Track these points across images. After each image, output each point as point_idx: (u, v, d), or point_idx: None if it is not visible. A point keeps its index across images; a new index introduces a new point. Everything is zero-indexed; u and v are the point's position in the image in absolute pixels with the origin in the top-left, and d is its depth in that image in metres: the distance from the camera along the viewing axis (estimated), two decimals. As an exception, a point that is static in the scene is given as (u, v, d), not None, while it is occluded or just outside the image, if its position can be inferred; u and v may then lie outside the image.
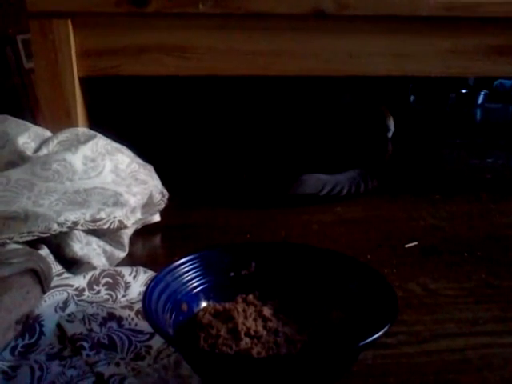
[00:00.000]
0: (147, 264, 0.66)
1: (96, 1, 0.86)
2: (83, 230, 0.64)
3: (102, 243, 0.67)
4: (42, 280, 0.51)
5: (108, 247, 0.67)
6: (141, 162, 0.81)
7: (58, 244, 0.63)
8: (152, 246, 0.78)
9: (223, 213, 0.91)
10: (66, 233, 0.63)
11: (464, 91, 2.10)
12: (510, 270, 0.73)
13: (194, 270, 0.55)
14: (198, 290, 0.54)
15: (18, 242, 0.61)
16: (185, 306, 0.52)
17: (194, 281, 0.54)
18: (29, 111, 1.09)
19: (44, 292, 0.54)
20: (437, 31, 0.97)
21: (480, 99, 2.08)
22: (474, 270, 0.72)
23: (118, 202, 0.69)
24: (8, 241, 0.61)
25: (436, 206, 0.98)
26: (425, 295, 0.65)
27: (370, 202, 0.99)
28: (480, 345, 0.56)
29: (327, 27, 0.95)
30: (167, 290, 0.51)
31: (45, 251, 0.61)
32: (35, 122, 1.06)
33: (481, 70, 0.99)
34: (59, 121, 0.91)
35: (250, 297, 0.53)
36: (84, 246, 0.64)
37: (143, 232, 0.79)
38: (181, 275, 0.53)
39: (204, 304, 0.53)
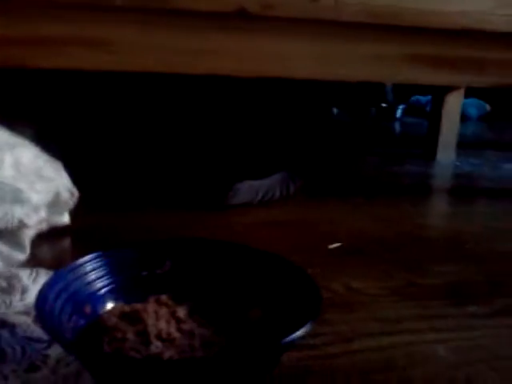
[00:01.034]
0: (52, 268, 0.60)
1: (3, -17, 0.78)
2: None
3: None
4: None
5: (5, 248, 0.60)
6: (47, 158, 0.74)
7: None
8: (58, 248, 0.71)
9: (142, 215, 0.86)
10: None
11: (384, 105, 2.18)
12: (430, 268, 0.74)
13: (100, 269, 0.49)
14: (104, 290, 0.49)
15: None
16: (88, 308, 0.47)
17: (99, 280, 0.49)
18: None
19: None
20: (360, 37, 0.97)
21: (398, 113, 2.18)
22: (395, 269, 0.72)
23: (17, 199, 0.62)
24: None
25: (359, 209, 0.98)
26: (348, 295, 0.63)
27: (294, 205, 0.98)
28: (403, 343, 0.55)
29: (250, 27, 0.93)
30: (67, 290, 0.45)
31: None
32: None
33: (403, 78, 1.01)
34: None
35: (163, 297, 0.48)
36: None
37: (49, 234, 0.71)
38: (84, 274, 0.48)
39: (111, 306, 0.48)
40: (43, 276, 0.57)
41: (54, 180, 0.71)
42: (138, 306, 0.46)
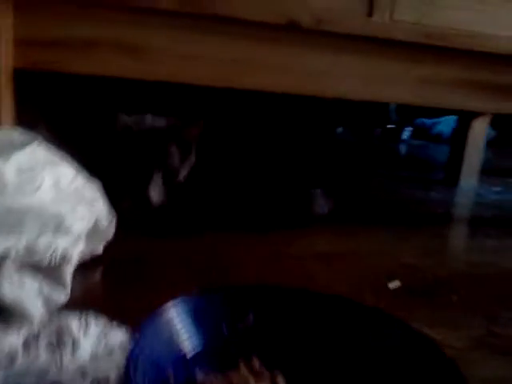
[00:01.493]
0: (87, 306, 0.51)
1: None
2: (16, 267, 0.48)
3: (37, 283, 0.50)
4: None
5: (46, 288, 0.51)
6: (86, 176, 0.65)
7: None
8: (91, 283, 0.62)
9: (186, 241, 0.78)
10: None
11: (389, 126, 2.13)
12: (504, 314, 0.67)
13: (180, 325, 0.41)
14: (186, 352, 0.40)
15: None
16: (171, 376, 0.38)
17: (181, 340, 0.40)
18: None
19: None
20: (413, 58, 0.92)
21: (405, 135, 2.13)
22: (468, 314, 0.65)
23: (60, 227, 0.54)
24: None
25: (403, 240, 0.93)
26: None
27: (335, 232, 0.91)
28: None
29: (301, 41, 0.86)
30: (150, 356, 0.37)
31: None
32: None
33: (454, 103, 0.96)
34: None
35: (255, 363, 0.40)
36: (16, 287, 0.48)
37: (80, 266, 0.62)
38: (165, 334, 0.39)
39: (198, 373, 0.39)
40: (93, 325, 0.48)
41: (94, 204, 0.62)
42: (232, 377, 0.38)
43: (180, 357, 0.39)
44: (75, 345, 0.45)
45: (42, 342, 0.45)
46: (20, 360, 0.42)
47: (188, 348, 0.40)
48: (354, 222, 0.99)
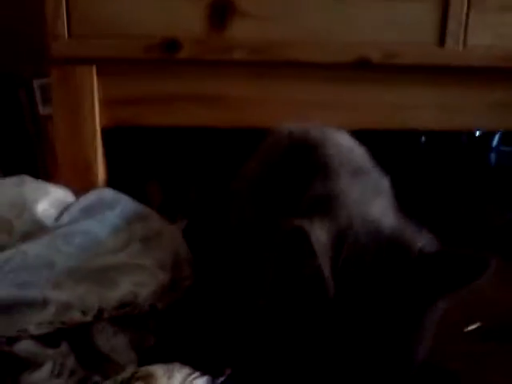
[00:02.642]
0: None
1: (124, 46, 0.78)
2: (109, 319, 0.55)
3: (128, 333, 0.57)
4: None
5: (135, 336, 0.58)
6: (167, 224, 0.72)
7: (79, 337, 0.53)
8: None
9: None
10: (89, 323, 0.54)
11: (477, 133, 2.00)
12: None
13: None
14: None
15: (33, 336, 0.51)
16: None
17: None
18: (43, 162, 1.00)
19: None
20: (489, 83, 0.89)
21: (494, 142, 1.99)
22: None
23: (146, 281, 0.60)
24: (23, 334, 0.51)
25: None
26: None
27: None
28: None
29: (371, 77, 0.87)
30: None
31: (65, 347, 0.52)
32: (49, 173, 0.99)
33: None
34: (78, 174, 0.82)
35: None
36: (110, 339, 0.54)
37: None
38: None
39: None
40: (177, 373, 0.54)
41: (177, 251, 0.69)
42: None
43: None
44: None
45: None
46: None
47: None
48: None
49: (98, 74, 0.79)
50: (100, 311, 0.55)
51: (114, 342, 0.55)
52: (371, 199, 0.51)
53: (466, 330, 0.70)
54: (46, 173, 0.98)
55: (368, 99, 0.88)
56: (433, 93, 0.89)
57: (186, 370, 0.54)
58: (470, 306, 0.73)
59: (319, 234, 0.42)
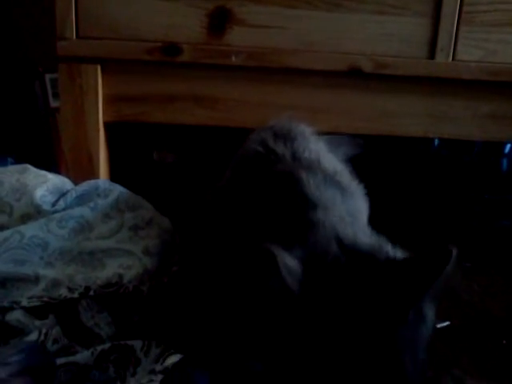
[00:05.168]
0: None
1: (127, 48, 0.84)
2: (94, 297, 0.60)
3: (113, 311, 0.62)
4: (43, 379, 0.47)
5: (119, 314, 0.63)
6: (160, 217, 0.77)
7: (66, 312, 0.58)
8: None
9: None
10: (76, 300, 0.59)
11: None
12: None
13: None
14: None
15: (24, 308, 0.57)
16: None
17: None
18: (52, 150, 1.07)
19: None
20: (477, 95, 0.93)
21: (507, 148, 2.00)
22: (513, 365, 0.66)
23: (132, 265, 0.65)
24: (15, 305, 0.57)
25: (467, 278, 0.91)
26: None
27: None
28: None
29: (363, 85, 0.91)
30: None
31: (52, 319, 0.57)
32: (57, 162, 1.05)
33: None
34: (81, 165, 0.88)
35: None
36: (95, 315, 0.60)
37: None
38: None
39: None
40: (153, 348, 0.58)
41: (166, 242, 0.73)
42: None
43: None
44: (136, 362, 0.56)
45: (111, 359, 0.56)
46: (93, 372, 0.54)
47: None
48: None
49: (102, 73, 0.85)
50: (86, 289, 0.60)
51: (97, 318, 0.60)
52: (344, 220, 0.52)
53: (437, 326, 0.74)
54: (55, 161, 1.04)
55: (359, 106, 0.92)
56: (422, 102, 0.93)
57: (162, 347, 0.59)
58: (445, 307, 0.78)
59: (287, 257, 0.43)
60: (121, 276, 0.63)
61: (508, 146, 2.01)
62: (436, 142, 1.96)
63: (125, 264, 0.65)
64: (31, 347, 0.49)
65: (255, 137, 0.67)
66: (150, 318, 0.64)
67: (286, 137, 0.65)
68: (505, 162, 1.94)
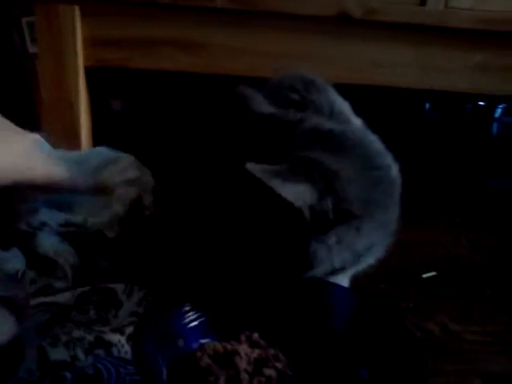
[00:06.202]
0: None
1: (107, -13, 0.80)
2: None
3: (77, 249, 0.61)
4: (17, 310, 0.46)
5: (84, 257, 0.61)
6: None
7: (28, 243, 0.57)
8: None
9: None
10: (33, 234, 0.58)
11: (481, 103, 2.00)
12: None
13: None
14: (196, 322, 0.48)
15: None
16: (181, 342, 0.46)
17: (192, 312, 0.48)
18: (32, 98, 1.02)
19: (20, 322, 0.48)
20: (468, 45, 0.90)
21: (497, 113, 2.00)
22: (498, 310, 0.66)
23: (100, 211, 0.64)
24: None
25: (456, 232, 0.91)
26: (445, 338, 0.59)
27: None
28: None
29: (352, 32, 0.88)
30: (161, 324, 0.45)
31: (15, 251, 0.56)
32: (37, 111, 1.01)
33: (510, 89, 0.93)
34: (60, 111, 0.85)
35: (255, 336, 0.47)
36: (54, 245, 0.58)
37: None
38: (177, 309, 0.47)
39: (203, 341, 0.47)
40: (136, 291, 0.58)
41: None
42: (231, 345, 0.45)
43: (188, 325, 0.47)
44: (118, 305, 0.55)
45: (92, 301, 0.55)
46: (73, 313, 0.53)
47: (197, 320, 0.48)
48: (409, 214, 0.97)
49: (81, 14, 0.81)
50: (42, 224, 0.58)
51: (57, 248, 0.59)
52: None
53: (423, 276, 0.74)
54: (34, 110, 1.00)
55: (349, 54, 0.90)
56: (413, 52, 0.91)
57: (144, 291, 0.58)
58: (433, 258, 0.78)
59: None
60: (86, 220, 0.62)
61: (498, 110, 2.01)
62: (427, 106, 1.95)
63: (93, 210, 0.64)
64: (5, 278, 0.48)
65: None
66: (119, 263, 0.62)
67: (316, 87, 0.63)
68: (495, 125, 1.94)
